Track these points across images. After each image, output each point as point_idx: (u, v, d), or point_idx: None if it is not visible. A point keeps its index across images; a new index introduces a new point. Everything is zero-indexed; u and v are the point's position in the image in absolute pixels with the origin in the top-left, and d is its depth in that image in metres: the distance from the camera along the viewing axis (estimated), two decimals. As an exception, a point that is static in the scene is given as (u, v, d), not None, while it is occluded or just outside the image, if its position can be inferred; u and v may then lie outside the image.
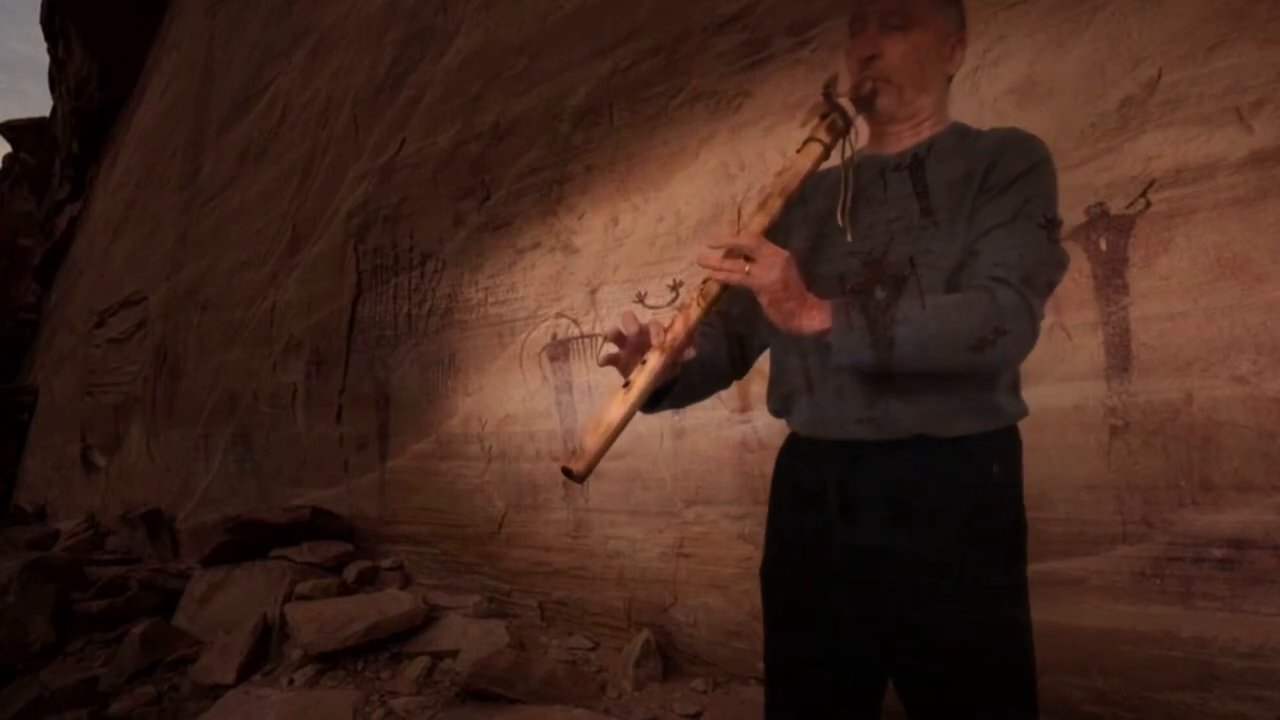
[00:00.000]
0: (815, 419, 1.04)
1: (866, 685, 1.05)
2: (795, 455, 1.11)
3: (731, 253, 0.91)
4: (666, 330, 0.94)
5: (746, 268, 0.89)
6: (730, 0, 2.45)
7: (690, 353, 0.96)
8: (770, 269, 0.89)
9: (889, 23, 1.01)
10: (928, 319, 0.88)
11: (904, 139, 1.05)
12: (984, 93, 1.86)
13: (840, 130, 0.99)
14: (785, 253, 0.91)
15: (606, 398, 0.93)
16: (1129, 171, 1.63)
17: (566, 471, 0.90)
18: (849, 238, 1.00)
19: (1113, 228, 1.65)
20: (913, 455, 0.96)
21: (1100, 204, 1.66)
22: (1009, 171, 0.95)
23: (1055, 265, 0.94)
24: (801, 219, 1.10)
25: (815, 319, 0.90)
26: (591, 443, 0.89)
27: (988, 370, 0.95)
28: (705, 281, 0.94)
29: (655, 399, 1.05)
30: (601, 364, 1.01)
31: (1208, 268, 1.53)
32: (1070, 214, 1.70)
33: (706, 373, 1.13)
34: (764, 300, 0.91)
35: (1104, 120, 1.67)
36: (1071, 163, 1.70)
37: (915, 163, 1.02)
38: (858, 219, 1.02)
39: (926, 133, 1.05)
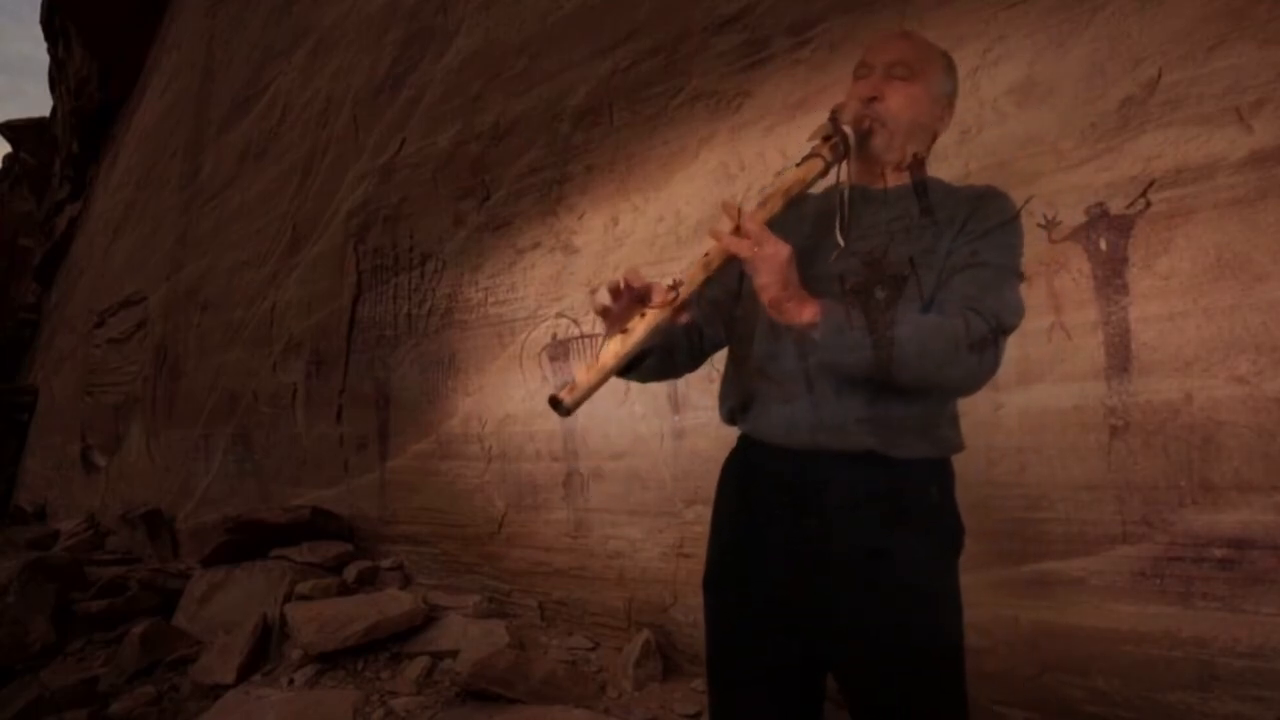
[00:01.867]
0: (771, 425, 1.09)
1: (807, 684, 1.11)
2: (744, 459, 1.15)
3: (739, 232, 0.95)
4: (670, 289, 0.98)
5: (753, 247, 0.93)
6: (730, 0, 2.45)
7: (684, 317, 1.00)
8: (773, 254, 0.93)
9: (893, 72, 1.09)
10: (910, 333, 0.94)
11: (888, 181, 1.12)
12: (984, 93, 1.86)
13: (841, 154, 1.05)
14: (787, 245, 0.94)
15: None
16: (1129, 171, 1.63)
17: (554, 401, 0.94)
18: (842, 243, 1.05)
19: (1113, 228, 1.65)
20: (862, 469, 1.02)
21: (1100, 204, 1.66)
22: (986, 222, 1.03)
23: (1017, 312, 1.01)
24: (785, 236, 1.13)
25: (806, 312, 0.94)
26: (586, 379, 0.95)
27: (954, 390, 1.04)
28: (707, 254, 0.97)
29: (626, 368, 1.09)
30: (596, 311, 1.05)
31: (1208, 268, 1.53)
32: (1070, 214, 1.70)
33: (675, 355, 1.19)
34: (761, 283, 0.94)
35: (1104, 120, 1.67)
36: (1071, 163, 1.71)
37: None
38: (857, 219, 1.07)
39: (907, 180, 1.11)
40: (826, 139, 1.05)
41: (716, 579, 1.16)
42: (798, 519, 1.05)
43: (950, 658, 1.05)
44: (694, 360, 1.24)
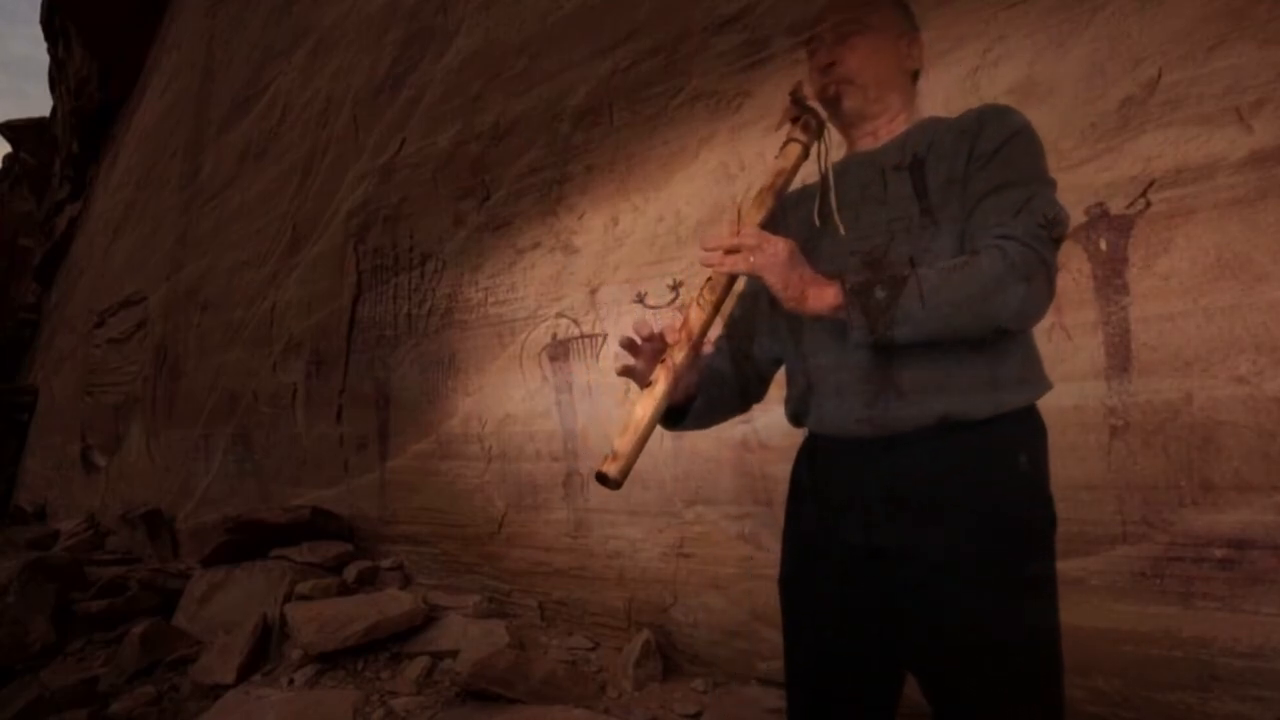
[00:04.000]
0: (833, 418, 1.02)
1: (886, 686, 1.05)
2: (814, 457, 1.09)
3: (732, 249, 0.92)
4: (681, 328, 0.94)
5: (750, 258, 0.91)
6: (730, 0, 2.45)
7: (708, 349, 0.96)
8: (774, 254, 0.90)
9: (842, 30, 1.06)
10: (940, 285, 0.87)
11: (880, 135, 1.08)
12: (984, 93, 1.86)
13: (815, 129, 1.03)
14: (787, 240, 0.92)
15: (631, 399, 0.93)
16: (1129, 171, 1.63)
17: (601, 477, 0.88)
18: (842, 232, 1.02)
19: (1113, 228, 1.65)
20: (934, 447, 0.94)
21: (1100, 204, 1.66)
22: (994, 140, 0.96)
23: (1055, 221, 0.91)
24: (784, 228, 1.11)
25: (826, 296, 0.91)
26: (624, 445, 0.88)
27: (1012, 327, 0.92)
28: (709, 278, 0.95)
29: (678, 417, 1.06)
30: (619, 373, 0.99)
31: (1208, 268, 1.53)
32: (1070, 214, 1.70)
33: (725, 389, 1.13)
34: (773, 284, 0.91)
35: (1104, 120, 1.67)
36: (1071, 163, 1.70)
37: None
38: (856, 219, 1.03)
39: (901, 127, 1.07)
40: (795, 120, 1.02)
41: (790, 577, 1.11)
42: (868, 512, 0.97)
43: (1050, 654, 0.94)
44: (756, 390, 1.19)
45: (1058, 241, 0.90)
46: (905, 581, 0.95)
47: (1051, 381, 1.02)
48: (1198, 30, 1.57)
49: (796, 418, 1.12)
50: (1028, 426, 0.99)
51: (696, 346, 0.94)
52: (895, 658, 1.01)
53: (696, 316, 0.94)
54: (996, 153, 0.95)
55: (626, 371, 0.98)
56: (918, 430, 0.94)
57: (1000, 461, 0.95)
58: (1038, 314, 0.92)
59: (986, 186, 0.94)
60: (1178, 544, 1.55)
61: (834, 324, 0.95)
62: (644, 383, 0.95)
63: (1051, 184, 0.95)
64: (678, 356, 0.93)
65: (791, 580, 1.11)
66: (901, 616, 0.96)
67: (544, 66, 3.08)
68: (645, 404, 0.91)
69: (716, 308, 0.95)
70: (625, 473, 0.88)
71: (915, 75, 1.12)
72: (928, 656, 0.97)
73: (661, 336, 0.96)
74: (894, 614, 0.97)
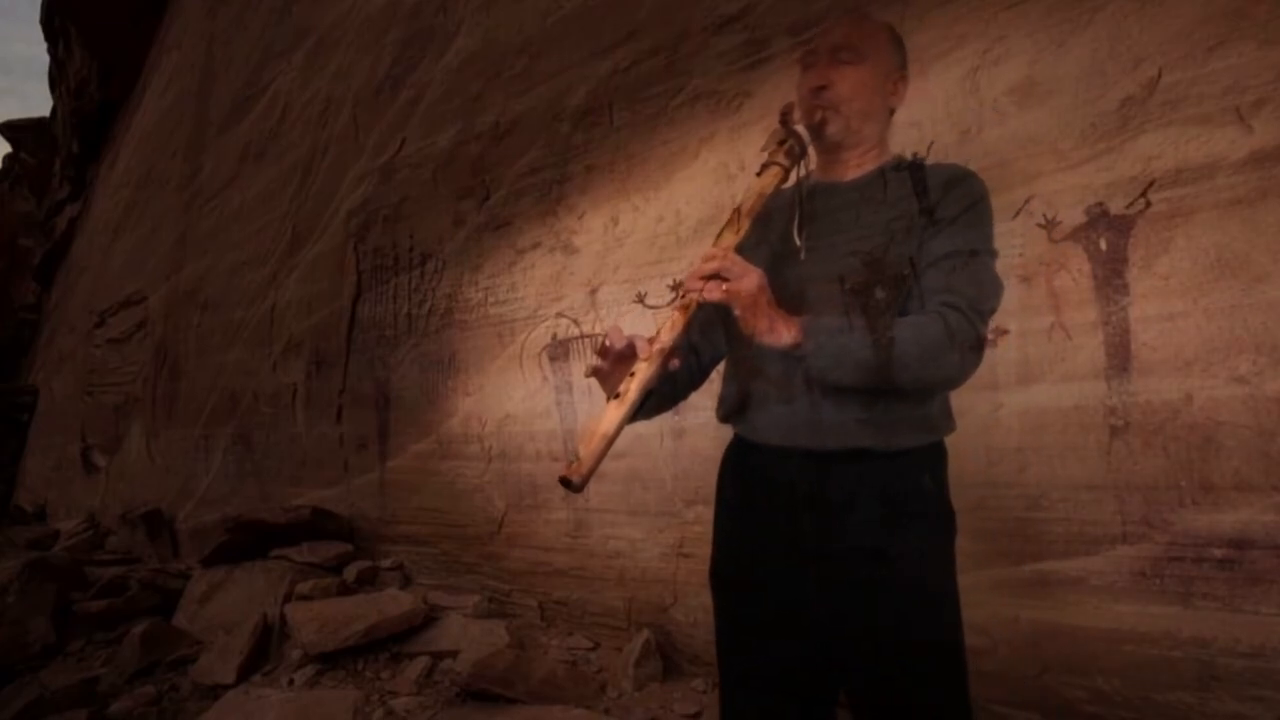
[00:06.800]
0: (768, 427, 1.09)
1: (822, 683, 1.10)
2: (742, 460, 1.16)
3: (711, 276, 0.96)
4: (652, 342, 0.97)
5: (724, 285, 0.95)
6: (730, 0, 2.45)
7: (675, 364, 0.99)
8: (746, 286, 0.95)
9: (839, 56, 1.10)
10: (908, 335, 0.95)
11: (850, 169, 1.13)
12: (984, 93, 1.86)
13: (797, 156, 1.07)
14: (758, 270, 0.96)
15: (600, 408, 0.94)
16: (1129, 171, 1.63)
17: (565, 481, 0.90)
18: (802, 256, 1.07)
19: (1113, 228, 1.65)
20: (855, 465, 1.03)
21: (1100, 204, 1.66)
22: (955, 206, 1.03)
23: (995, 293, 1.02)
24: (754, 245, 1.14)
25: (787, 333, 0.96)
26: (587, 452, 0.91)
27: (941, 387, 1.05)
28: (684, 295, 0.98)
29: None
30: (587, 375, 1.04)
31: (1208, 268, 1.53)
32: (1070, 214, 1.70)
33: (673, 385, 1.18)
34: (739, 313, 0.96)
35: (1104, 120, 1.67)
36: (1071, 163, 1.71)
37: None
38: (817, 242, 1.08)
39: (871, 163, 1.12)
40: (781, 143, 1.06)
41: (721, 576, 1.16)
42: (796, 519, 1.05)
43: (953, 651, 1.05)
44: (696, 381, 1.25)
45: (992, 312, 1.02)
46: (828, 586, 1.03)
47: (955, 422, 1.12)
48: (1198, 30, 1.57)
49: (728, 419, 1.18)
50: (933, 453, 1.10)
51: (664, 363, 0.98)
52: (829, 656, 1.07)
53: (667, 335, 0.97)
54: (956, 220, 1.02)
55: (595, 373, 1.02)
56: (847, 449, 1.03)
57: (911, 483, 1.05)
58: (966, 378, 1.01)
59: (943, 250, 1.01)
60: (1178, 544, 1.55)
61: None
62: (611, 392, 0.97)
63: (993, 254, 1.05)
64: (647, 372, 0.96)
65: (726, 579, 1.16)
66: (828, 621, 1.04)
67: (544, 66, 3.08)
68: (612, 415, 0.93)
69: (687, 327, 0.98)
70: (587, 479, 0.91)
71: (892, 113, 1.17)
72: (847, 656, 1.05)
73: (633, 344, 0.98)
74: (821, 618, 1.04)
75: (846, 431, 1.02)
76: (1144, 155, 1.61)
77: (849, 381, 0.98)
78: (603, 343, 1.00)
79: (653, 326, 1.02)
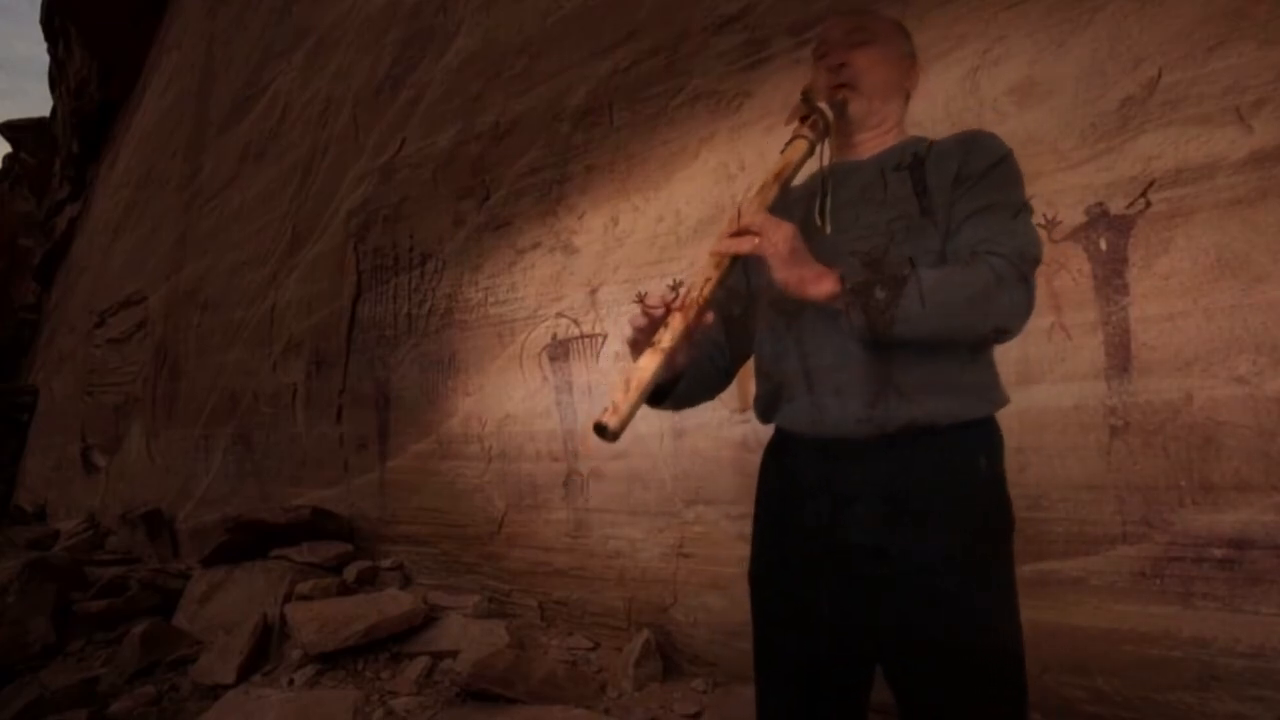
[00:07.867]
0: (808, 418, 1.05)
1: (856, 681, 1.07)
2: (784, 454, 1.12)
3: (740, 232, 0.95)
4: (686, 294, 0.96)
5: (756, 241, 0.94)
6: (730, 0, 2.45)
7: (709, 317, 0.97)
8: (778, 239, 0.93)
9: (854, 38, 1.11)
10: (936, 282, 0.90)
11: (868, 147, 1.12)
12: (984, 93, 1.86)
13: (821, 130, 1.06)
14: (790, 224, 0.95)
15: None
16: (1129, 171, 1.63)
17: (600, 427, 0.88)
18: (828, 232, 1.05)
19: (1113, 228, 1.65)
20: (904, 452, 0.98)
21: (1100, 204, 1.66)
22: (978, 165, 1.00)
23: (1035, 243, 0.97)
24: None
25: (825, 283, 0.93)
26: (623, 398, 0.89)
27: (992, 338, 0.97)
28: (714, 255, 0.97)
29: (659, 396, 1.08)
30: (628, 343, 1.01)
31: (1208, 268, 1.53)
32: (1070, 214, 1.70)
33: (704, 375, 1.17)
34: (775, 267, 0.94)
35: (1104, 120, 1.67)
36: (1071, 163, 1.71)
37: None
38: (856, 219, 1.06)
39: (891, 141, 1.11)
40: (804, 119, 1.06)
41: (760, 574, 1.13)
42: (837, 513, 1.01)
43: (1011, 658, 0.98)
44: (726, 377, 1.23)
45: (1036, 262, 0.96)
46: (880, 579, 0.98)
47: (1008, 395, 1.05)
48: (1198, 30, 1.57)
49: (765, 415, 1.15)
50: (986, 432, 1.03)
51: (699, 316, 0.96)
52: (868, 655, 1.04)
53: (700, 288, 0.95)
54: (984, 176, 0.99)
55: (633, 343, 0.99)
56: (894, 433, 0.98)
57: (964, 465, 1.00)
58: (1023, 321, 0.95)
59: (973, 206, 0.98)
60: (1178, 544, 1.55)
61: (835, 322, 0.97)
62: (645, 344, 0.96)
63: (1030, 209, 1.01)
64: (682, 323, 0.95)
65: (764, 578, 1.13)
66: (874, 614, 0.99)
67: (544, 66, 3.08)
68: (647, 363, 0.92)
69: (720, 284, 0.97)
70: (624, 425, 0.89)
71: (908, 97, 1.17)
72: (896, 654, 1.00)
73: (668, 306, 0.97)
74: (869, 610, 1.00)
75: (893, 413, 0.97)
76: (1144, 155, 1.62)
77: (893, 332, 0.91)
78: (638, 315, 0.98)
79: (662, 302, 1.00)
